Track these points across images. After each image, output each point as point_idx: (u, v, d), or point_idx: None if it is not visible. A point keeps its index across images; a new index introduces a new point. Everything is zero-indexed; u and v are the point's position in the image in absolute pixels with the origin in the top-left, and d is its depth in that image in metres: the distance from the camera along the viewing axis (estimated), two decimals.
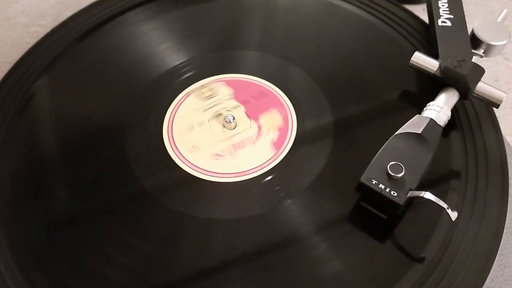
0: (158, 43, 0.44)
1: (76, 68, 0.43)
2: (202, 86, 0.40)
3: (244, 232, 0.33)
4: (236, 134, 0.38)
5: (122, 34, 0.45)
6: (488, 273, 0.31)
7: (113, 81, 0.42)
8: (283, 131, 0.38)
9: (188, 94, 0.40)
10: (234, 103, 0.40)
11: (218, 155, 0.37)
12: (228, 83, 0.41)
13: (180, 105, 0.40)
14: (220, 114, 0.39)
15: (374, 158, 0.32)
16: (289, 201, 0.34)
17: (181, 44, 0.44)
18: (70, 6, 0.55)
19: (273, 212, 0.34)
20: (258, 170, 0.36)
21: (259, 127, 0.38)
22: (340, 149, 0.37)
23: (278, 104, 0.39)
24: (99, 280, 0.31)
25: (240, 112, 0.39)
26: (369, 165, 0.32)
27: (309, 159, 0.36)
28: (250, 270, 0.32)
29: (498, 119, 0.38)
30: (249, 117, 0.39)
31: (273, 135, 0.38)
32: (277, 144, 0.37)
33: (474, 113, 0.38)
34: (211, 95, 0.39)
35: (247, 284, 0.31)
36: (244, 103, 0.40)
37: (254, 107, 0.39)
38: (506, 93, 0.36)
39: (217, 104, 0.40)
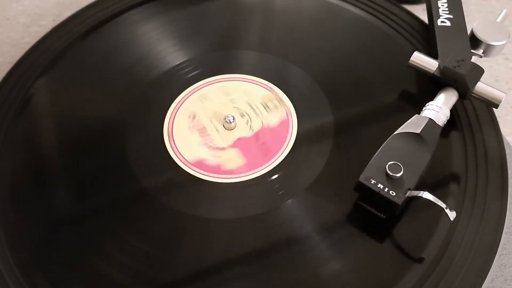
0: (158, 43, 0.44)
1: (76, 68, 0.43)
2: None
3: (244, 232, 0.33)
4: (236, 134, 0.38)
5: (122, 34, 0.45)
6: (488, 273, 0.31)
7: (113, 81, 0.42)
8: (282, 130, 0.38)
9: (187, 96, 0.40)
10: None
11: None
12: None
13: (181, 105, 0.40)
14: (220, 114, 0.39)
15: (372, 158, 0.32)
16: (289, 201, 0.34)
17: (181, 44, 0.44)
18: (70, 6, 0.55)
19: (273, 212, 0.34)
20: (259, 170, 0.36)
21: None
22: (340, 149, 0.37)
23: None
24: (99, 280, 0.31)
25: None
26: (367, 165, 0.32)
27: (309, 159, 0.36)
28: (250, 270, 0.32)
29: (498, 119, 0.38)
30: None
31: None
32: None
33: (474, 113, 0.38)
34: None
35: (247, 284, 0.31)
36: None
37: None
38: (505, 93, 0.36)
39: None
